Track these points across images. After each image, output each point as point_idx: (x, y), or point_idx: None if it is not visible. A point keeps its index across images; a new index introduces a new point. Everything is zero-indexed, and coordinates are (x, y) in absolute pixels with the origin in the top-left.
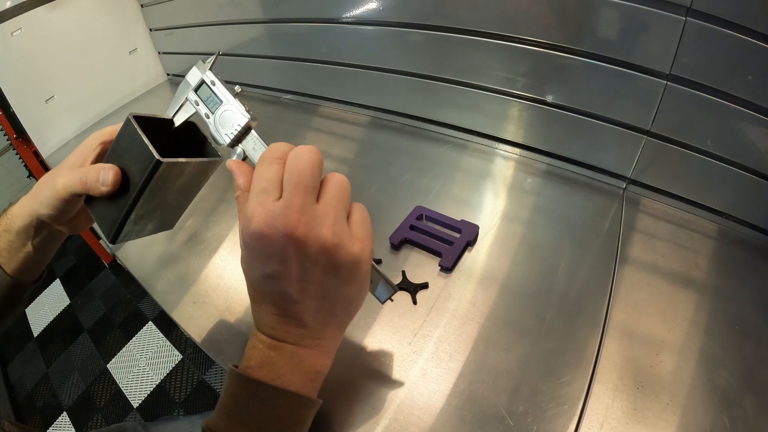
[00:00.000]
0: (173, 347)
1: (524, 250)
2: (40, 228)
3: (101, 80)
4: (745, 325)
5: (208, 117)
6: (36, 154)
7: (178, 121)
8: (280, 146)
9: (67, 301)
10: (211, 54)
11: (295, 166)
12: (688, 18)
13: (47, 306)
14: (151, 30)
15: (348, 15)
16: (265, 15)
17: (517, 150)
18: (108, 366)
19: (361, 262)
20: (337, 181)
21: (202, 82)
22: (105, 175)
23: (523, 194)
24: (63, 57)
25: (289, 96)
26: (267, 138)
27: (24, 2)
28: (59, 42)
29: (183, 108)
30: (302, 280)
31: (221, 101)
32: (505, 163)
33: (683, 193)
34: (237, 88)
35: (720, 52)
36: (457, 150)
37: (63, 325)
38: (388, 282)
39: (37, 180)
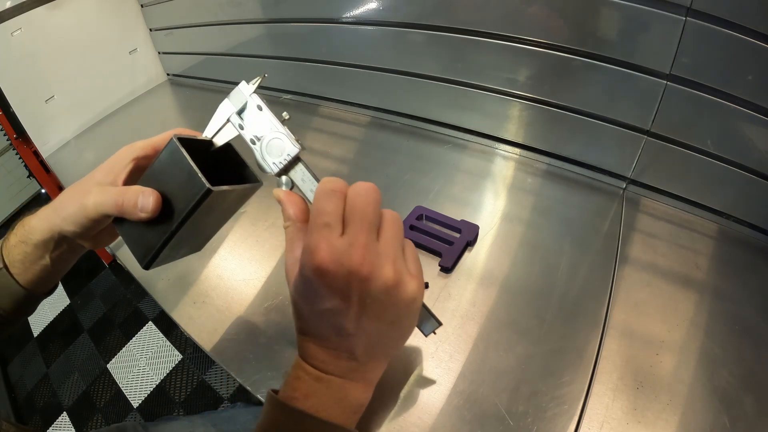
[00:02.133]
0: (173, 347)
1: (524, 250)
2: (60, 242)
3: (101, 80)
4: (745, 325)
5: (254, 143)
6: (36, 154)
7: (219, 142)
8: (336, 179)
9: (67, 301)
10: (211, 54)
11: (360, 202)
12: (688, 18)
13: (47, 306)
14: (151, 30)
15: (348, 15)
16: (265, 15)
17: (517, 150)
18: (108, 366)
19: (417, 300)
20: (393, 218)
21: (247, 105)
22: (145, 201)
23: (523, 194)
24: (63, 57)
25: (289, 96)
26: None
27: (24, 2)
28: (59, 42)
29: (224, 129)
30: (360, 316)
31: (269, 127)
32: (505, 163)
33: (683, 193)
34: (285, 115)
35: (720, 52)
36: (457, 150)
37: (63, 325)
38: (434, 317)
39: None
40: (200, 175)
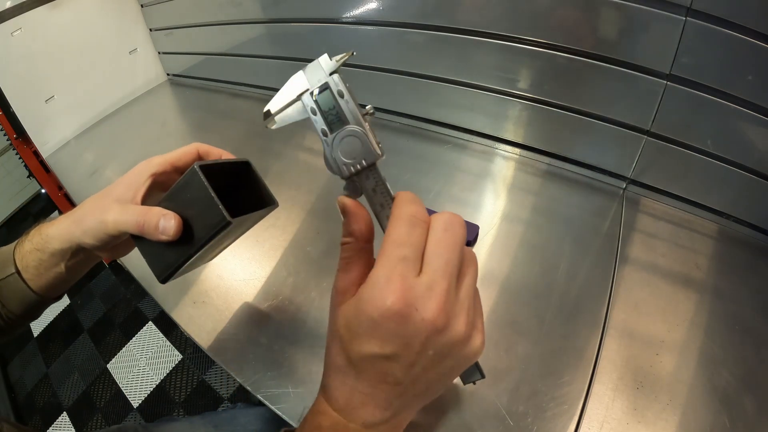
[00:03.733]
0: (173, 347)
1: (524, 250)
2: (77, 252)
3: (101, 80)
4: (745, 325)
5: (325, 135)
6: (36, 154)
7: (281, 122)
8: (416, 201)
9: (67, 301)
10: (211, 54)
11: (446, 240)
12: (688, 18)
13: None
14: (151, 30)
15: (348, 15)
16: (265, 15)
17: (517, 150)
18: (108, 366)
19: (477, 355)
20: (474, 260)
21: (327, 86)
22: (166, 225)
23: (523, 194)
24: (63, 57)
25: None
26: (267, 139)
27: (24, 2)
28: (59, 42)
29: (291, 108)
30: (416, 365)
31: (348, 120)
32: (505, 163)
33: (683, 193)
34: (369, 108)
35: (720, 52)
36: (457, 150)
37: (63, 325)
38: (480, 370)
39: (37, 180)
40: (221, 206)
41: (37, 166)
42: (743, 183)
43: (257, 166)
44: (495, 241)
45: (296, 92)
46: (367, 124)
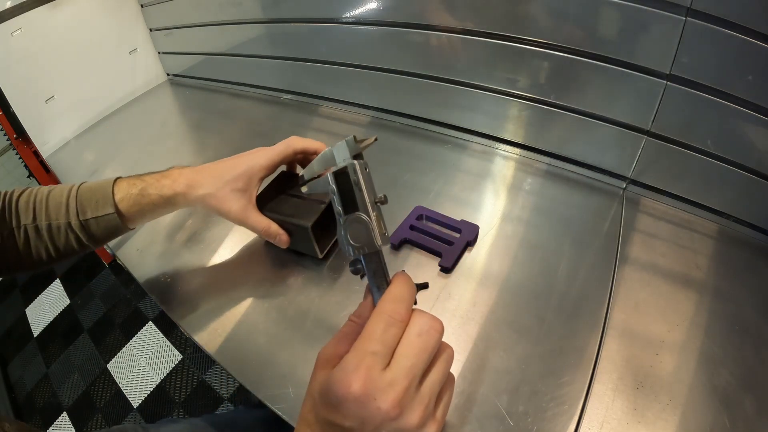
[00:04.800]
0: (173, 347)
1: (524, 250)
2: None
3: (101, 80)
4: (745, 325)
5: (339, 215)
6: (36, 154)
7: (309, 190)
8: (402, 299)
9: (67, 301)
10: (211, 54)
11: (417, 345)
12: (688, 18)
13: (47, 306)
14: (151, 30)
15: (348, 15)
16: (265, 15)
17: (517, 150)
18: (108, 366)
19: None
20: (447, 359)
21: (346, 170)
22: (281, 240)
23: (523, 194)
24: (63, 57)
25: (289, 96)
26: (267, 139)
27: (24, 2)
28: (59, 42)
29: (319, 180)
30: None
31: (358, 208)
32: (505, 163)
33: (683, 193)
34: (382, 196)
35: (720, 52)
36: (457, 150)
37: (63, 325)
38: None
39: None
40: (317, 248)
41: (37, 166)
42: (743, 183)
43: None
44: (495, 241)
45: (324, 167)
46: (375, 213)
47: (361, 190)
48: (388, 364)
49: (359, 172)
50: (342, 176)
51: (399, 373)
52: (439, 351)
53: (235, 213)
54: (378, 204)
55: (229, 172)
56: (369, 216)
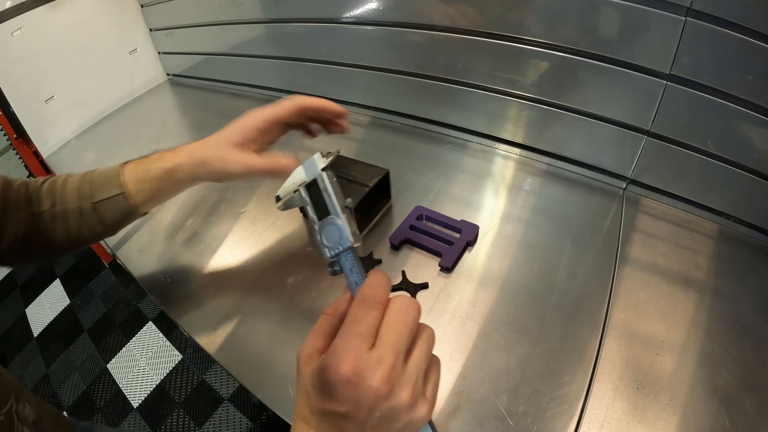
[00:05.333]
0: (173, 347)
1: (524, 250)
2: (189, 182)
3: (101, 80)
4: (745, 325)
5: (314, 222)
6: (36, 154)
7: (284, 208)
8: (380, 285)
9: (67, 301)
10: (211, 54)
11: (396, 322)
12: (688, 18)
13: (47, 306)
14: (151, 30)
15: (348, 15)
16: (265, 15)
17: (517, 150)
18: (108, 366)
19: (423, 422)
20: (428, 338)
21: (315, 182)
22: (290, 164)
23: (523, 194)
24: (63, 57)
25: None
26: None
27: (24, 2)
28: (59, 42)
29: (293, 197)
30: (366, 424)
31: (329, 212)
32: (505, 163)
33: (683, 193)
34: (348, 201)
35: (720, 52)
36: (457, 150)
37: (63, 325)
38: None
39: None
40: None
41: (37, 166)
42: (743, 183)
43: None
44: (495, 241)
45: (297, 184)
46: (345, 215)
47: (330, 196)
48: (374, 344)
49: (327, 180)
50: (313, 187)
51: (384, 350)
52: (419, 330)
53: (238, 166)
54: (347, 208)
55: (226, 131)
56: (340, 218)
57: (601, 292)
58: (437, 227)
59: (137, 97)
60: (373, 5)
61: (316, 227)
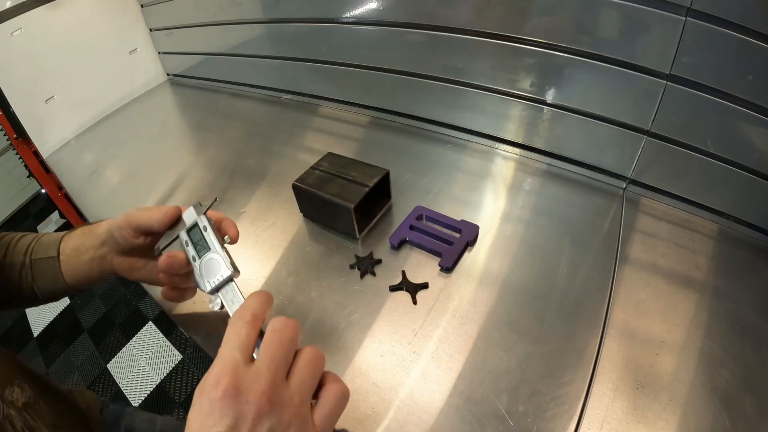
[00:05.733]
0: (173, 347)
1: (524, 250)
2: (105, 244)
3: (101, 80)
4: (745, 325)
5: (194, 260)
6: (36, 154)
7: (165, 252)
8: (257, 304)
9: (67, 301)
10: (211, 54)
11: (274, 339)
12: (688, 18)
13: (47, 306)
14: (151, 30)
15: (348, 15)
16: (265, 15)
17: (517, 150)
18: (108, 366)
19: None
20: (309, 360)
21: (195, 224)
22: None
23: (523, 194)
24: (63, 57)
25: (289, 96)
26: (267, 139)
27: (24, 2)
28: (59, 42)
29: (173, 244)
30: None
31: (209, 248)
32: (505, 163)
33: (683, 193)
34: (227, 239)
35: (720, 52)
36: (457, 150)
37: (63, 325)
38: None
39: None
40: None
41: (37, 166)
42: (743, 183)
43: (257, 165)
44: (495, 241)
45: (176, 233)
46: (224, 249)
47: (209, 234)
48: (252, 361)
49: (206, 221)
50: (193, 229)
51: (261, 365)
52: (300, 352)
53: (159, 214)
54: (224, 246)
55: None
56: (219, 253)
57: (601, 292)
58: (437, 227)
59: (137, 97)
60: (373, 5)
61: (197, 264)
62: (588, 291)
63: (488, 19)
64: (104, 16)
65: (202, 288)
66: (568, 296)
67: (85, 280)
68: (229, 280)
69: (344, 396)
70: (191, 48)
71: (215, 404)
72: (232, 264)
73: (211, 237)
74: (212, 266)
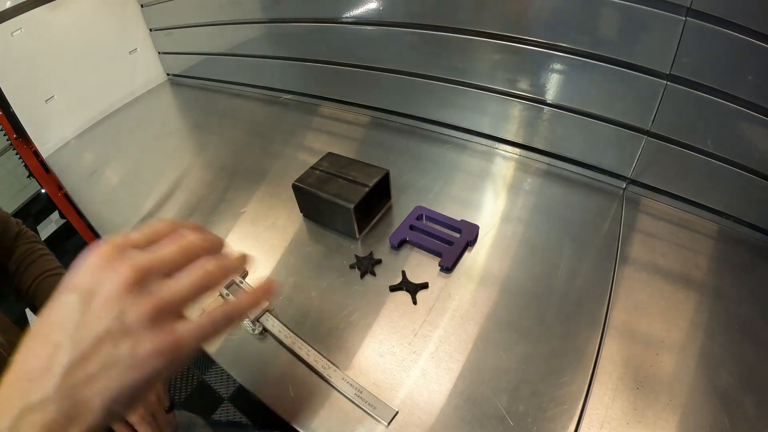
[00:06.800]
0: None
1: (524, 250)
2: None
3: (101, 80)
4: (745, 324)
5: None
6: (36, 154)
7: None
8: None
9: None
10: (211, 54)
11: (173, 241)
12: (688, 18)
13: None
14: (151, 30)
15: (348, 15)
16: (265, 15)
17: (517, 150)
18: None
19: (151, 353)
20: (208, 271)
21: None
22: None
23: (523, 194)
24: (63, 57)
25: (289, 96)
26: (267, 139)
27: (24, 2)
28: (59, 42)
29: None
30: (89, 311)
31: None
32: (505, 163)
33: (683, 193)
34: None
35: (720, 52)
36: (457, 150)
37: None
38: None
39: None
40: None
41: (37, 166)
42: (743, 183)
43: (257, 165)
44: (495, 241)
45: None
46: None
47: None
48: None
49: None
50: None
51: (144, 255)
52: (203, 264)
53: None
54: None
55: None
56: None
57: (601, 292)
58: (437, 227)
59: (137, 97)
60: (373, 5)
61: None
62: (588, 291)
63: (488, 19)
64: (104, 16)
65: None
66: (568, 296)
67: None
68: None
69: (226, 316)
70: (191, 48)
71: (82, 265)
72: None
73: None
74: None
